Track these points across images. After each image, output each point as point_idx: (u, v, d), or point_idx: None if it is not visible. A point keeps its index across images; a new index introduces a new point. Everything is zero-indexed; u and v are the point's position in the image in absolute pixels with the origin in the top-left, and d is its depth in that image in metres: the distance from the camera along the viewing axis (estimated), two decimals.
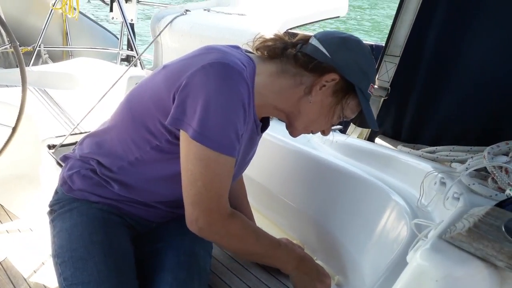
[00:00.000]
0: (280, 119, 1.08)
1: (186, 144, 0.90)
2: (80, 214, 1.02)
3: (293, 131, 1.07)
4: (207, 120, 0.87)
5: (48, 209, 1.09)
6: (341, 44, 0.99)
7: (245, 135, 0.99)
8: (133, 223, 1.08)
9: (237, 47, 1.02)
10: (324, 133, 1.08)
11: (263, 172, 1.55)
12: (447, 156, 1.19)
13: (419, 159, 1.21)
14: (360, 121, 1.07)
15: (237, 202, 1.26)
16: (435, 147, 1.25)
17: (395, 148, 1.35)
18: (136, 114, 0.99)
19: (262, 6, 2.63)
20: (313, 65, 0.98)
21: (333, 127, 1.09)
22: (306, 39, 1.02)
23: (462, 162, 1.12)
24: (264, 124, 1.11)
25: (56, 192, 1.10)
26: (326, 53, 0.97)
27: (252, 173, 1.48)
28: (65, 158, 1.12)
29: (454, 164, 1.15)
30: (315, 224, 1.37)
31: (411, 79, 1.41)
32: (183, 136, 0.91)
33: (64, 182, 1.07)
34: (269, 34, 1.05)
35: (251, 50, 1.04)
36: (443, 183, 1.03)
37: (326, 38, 1.00)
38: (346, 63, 0.98)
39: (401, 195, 1.13)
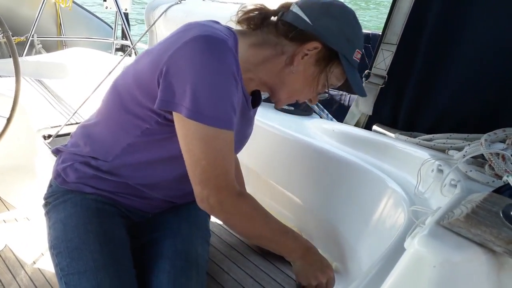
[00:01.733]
0: (266, 98, 1.07)
1: (182, 125, 0.88)
2: (74, 204, 1.02)
3: (277, 102, 1.05)
4: (199, 97, 0.85)
5: (43, 201, 1.09)
6: (324, 11, 0.95)
7: (236, 109, 0.96)
8: (128, 213, 1.07)
9: (217, 22, 0.98)
10: (311, 102, 1.06)
11: (260, 160, 1.55)
12: (444, 143, 1.19)
13: (416, 146, 1.21)
14: (347, 89, 1.04)
15: None
16: (432, 135, 1.25)
17: (392, 136, 1.35)
18: (123, 101, 0.97)
19: None
20: (294, 33, 0.94)
21: (319, 96, 1.06)
22: (287, 6, 0.99)
23: (459, 149, 1.12)
24: (256, 99, 1.08)
25: (50, 185, 1.09)
26: (308, 20, 0.94)
27: (249, 162, 1.48)
28: (57, 151, 1.11)
29: (451, 152, 1.15)
30: (312, 212, 1.37)
31: (409, 67, 1.40)
32: (177, 117, 0.88)
33: (58, 175, 1.06)
34: (250, 5, 1.01)
35: (232, 27, 1.01)
36: (440, 171, 1.04)
37: (308, 4, 0.96)
38: (328, 30, 0.94)
39: (398, 183, 1.14)
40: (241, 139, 1.10)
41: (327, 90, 1.03)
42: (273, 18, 0.98)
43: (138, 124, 0.95)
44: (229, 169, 0.91)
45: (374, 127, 1.47)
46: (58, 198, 1.05)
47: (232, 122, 0.90)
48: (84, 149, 1.04)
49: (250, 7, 1.00)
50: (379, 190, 1.16)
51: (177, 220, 1.08)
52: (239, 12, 1.00)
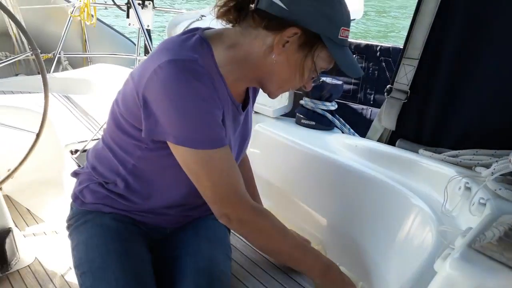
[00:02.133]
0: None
1: (176, 151, 0.90)
2: (94, 225, 1.04)
3: (270, 94, 1.02)
4: (181, 124, 0.86)
5: (65, 224, 1.12)
6: None
7: (227, 119, 0.97)
8: (147, 230, 1.09)
9: (195, 29, 0.96)
10: (305, 88, 1.02)
11: (283, 177, 1.55)
12: (470, 160, 1.17)
13: (442, 163, 1.20)
14: (338, 70, 0.98)
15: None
16: (458, 151, 1.23)
17: (416, 152, 1.34)
18: (117, 123, 0.99)
19: None
20: (269, 22, 0.90)
21: (312, 81, 1.02)
22: None
23: (487, 166, 1.10)
24: (245, 100, 1.07)
25: (71, 208, 1.12)
26: (282, 5, 0.88)
27: (273, 178, 1.48)
28: (75, 174, 1.14)
29: (478, 168, 1.13)
30: (337, 230, 1.36)
31: (431, 82, 1.39)
32: (169, 143, 0.90)
33: (76, 198, 1.09)
34: None
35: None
36: (467, 188, 1.02)
37: None
38: (306, 13, 0.89)
39: (424, 200, 1.12)
40: (239, 145, 1.09)
41: (318, 75, 0.99)
42: (252, 6, 0.92)
43: (136, 144, 0.97)
44: (237, 185, 0.92)
45: (398, 143, 1.46)
46: (78, 219, 1.07)
47: (222, 139, 0.90)
48: (95, 171, 1.06)
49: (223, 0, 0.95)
50: (405, 208, 1.14)
51: (197, 237, 1.08)
52: (216, 7, 0.95)
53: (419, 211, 1.09)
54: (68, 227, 1.11)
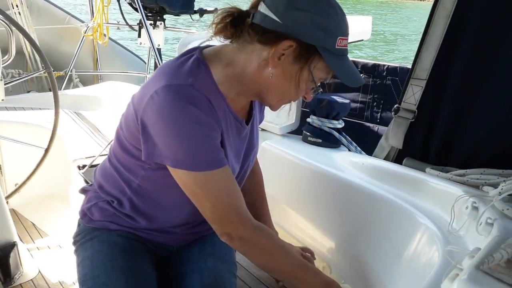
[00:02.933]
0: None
1: (175, 173, 0.92)
2: (101, 241, 1.04)
3: (270, 107, 1.02)
4: (178, 147, 0.87)
5: (72, 240, 1.12)
6: (290, 5, 0.88)
7: (229, 137, 0.98)
8: (153, 248, 1.09)
9: (193, 49, 0.97)
10: (306, 98, 1.00)
11: (289, 193, 1.54)
12: (477, 179, 1.16)
13: (449, 182, 1.19)
14: (340, 84, 0.98)
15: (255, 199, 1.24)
16: (465, 170, 1.22)
17: (423, 171, 1.33)
18: (122, 144, 1.01)
19: None
20: (264, 36, 0.90)
21: (312, 91, 0.99)
22: (256, 5, 0.93)
23: (494, 186, 1.09)
24: (249, 113, 1.07)
25: (79, 225, 1.13)
26: (276, 18, 0.88)
27: (279, 195, 1.47)
28: (83, 191, 1.15)
29: (485, 188, 1.12)
30: (342, 247, 1.35)
31: (439, 102, 1.39)
32: (168, 166, 0.92)
33: (84, 215, 1.10)
34: (220, 13, 0.95)
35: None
36: (475, 208, 1.01)
37: (274, 1, 0.90)
38: (299, 25, 0.88)
39: (431, 219, 1.10)
40: (244, 159, 1.08)
41: (317, 86, 0.97)
42: (248, 20, 0.93)
43: (140, 164, 0.98)
44: (237, 204, 0.93)
45: (405, 161, 1.45)
46: (85, 236, 1.08)
47: (220, 160, 0.91)
48: (102, 190, 1.07)
49: (220, 15, 0.94)
50: (411, 227, 1.13)
51: (203, 254, 1.08)
52: (213, 24, 0.95)
53: (425, 229, 1.08)
54: (74, 243, 1.11)
